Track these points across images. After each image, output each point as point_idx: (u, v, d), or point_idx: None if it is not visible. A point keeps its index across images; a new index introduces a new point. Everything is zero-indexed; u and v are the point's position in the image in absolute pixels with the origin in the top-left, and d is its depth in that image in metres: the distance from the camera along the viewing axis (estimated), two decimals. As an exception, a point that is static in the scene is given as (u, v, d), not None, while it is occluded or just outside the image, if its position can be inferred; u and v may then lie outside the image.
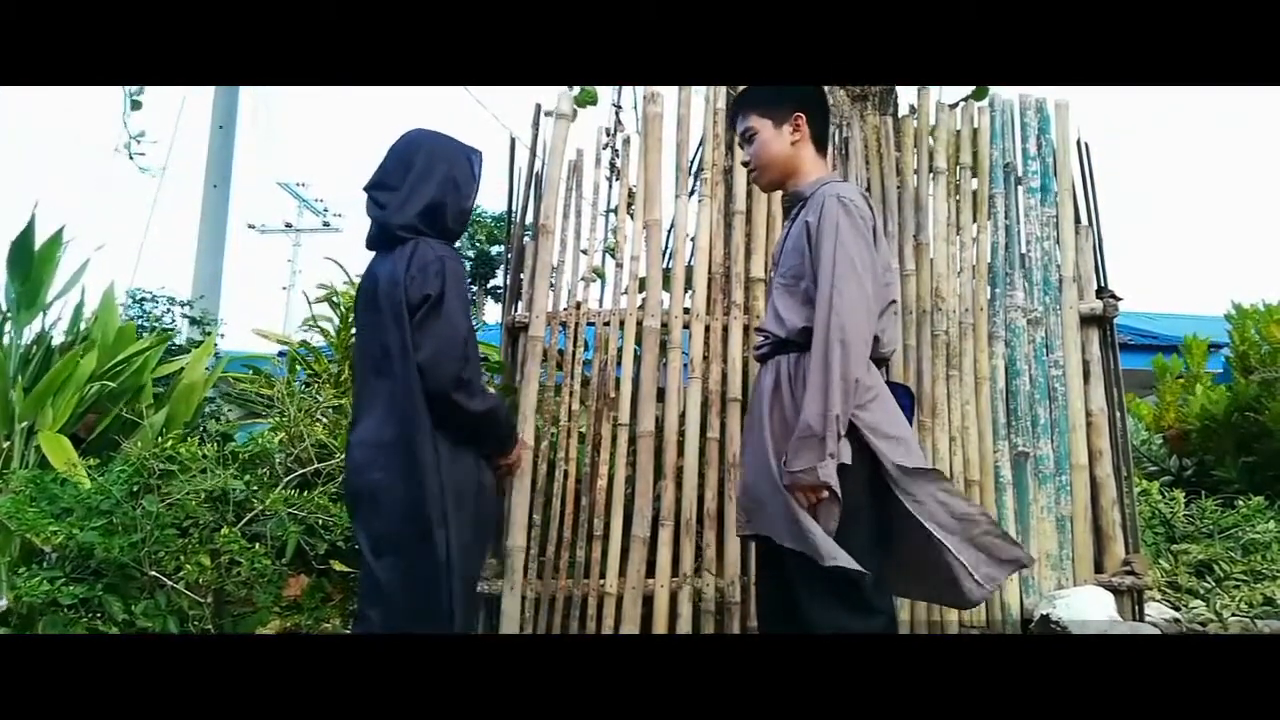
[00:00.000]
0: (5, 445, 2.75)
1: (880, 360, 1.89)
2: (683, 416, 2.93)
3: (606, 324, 3.03)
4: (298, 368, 3.68)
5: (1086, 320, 3.04)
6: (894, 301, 1.93)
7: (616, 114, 3.39)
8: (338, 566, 2.79)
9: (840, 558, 1.65)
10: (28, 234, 2.95)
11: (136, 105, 5.55)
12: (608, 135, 3.30)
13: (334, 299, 3.76)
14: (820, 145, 1.98)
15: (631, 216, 3.18)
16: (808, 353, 1.77)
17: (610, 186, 3.28)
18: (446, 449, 1.79)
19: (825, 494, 1.69)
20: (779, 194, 3.13)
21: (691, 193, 3.18)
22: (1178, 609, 3.27)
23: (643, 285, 3.07)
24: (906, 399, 1.93)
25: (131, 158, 5.62)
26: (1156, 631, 2.61)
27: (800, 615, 1.73)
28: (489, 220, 14.09)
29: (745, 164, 2.02)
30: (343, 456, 2.79)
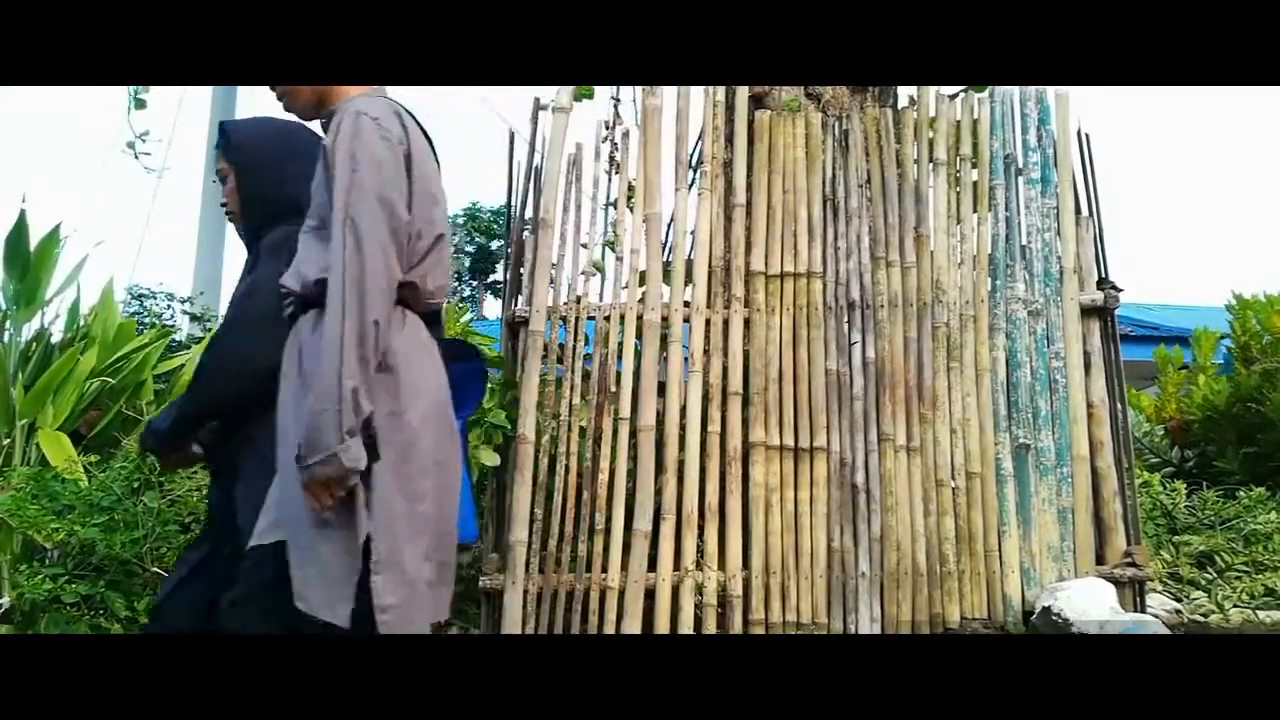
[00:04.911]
0: (6, 443, 2.75)
1: (430, 312, 1.56)
2: (683, 410, 2.93)
3: (607, 318, 3.03)
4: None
5: (1087, 312, 3.03)
6: (441, 236, 1.55)
7: (615, 107, 3.38)
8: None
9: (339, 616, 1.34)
10: (21, 230, 2.93)
11: (141, 104, 5.43)
12: (607, 129, 3.28)
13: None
14: None
15: (631, 210, 3.17)
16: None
17: (610, 180, 3.27)
18: None
19: (350, 486, 1.33)
20: (779, 187, 3.17)
21: (691, 186, 3.18)
22: (1179, 600, 3.28)
23: (643, 279, 3.07)
24: (475, 365, 1.69)
25: (137, 157, 5.53)
26: (1158, 623, 2.61)
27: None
28: (488, 215, 14.07)
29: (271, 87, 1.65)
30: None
